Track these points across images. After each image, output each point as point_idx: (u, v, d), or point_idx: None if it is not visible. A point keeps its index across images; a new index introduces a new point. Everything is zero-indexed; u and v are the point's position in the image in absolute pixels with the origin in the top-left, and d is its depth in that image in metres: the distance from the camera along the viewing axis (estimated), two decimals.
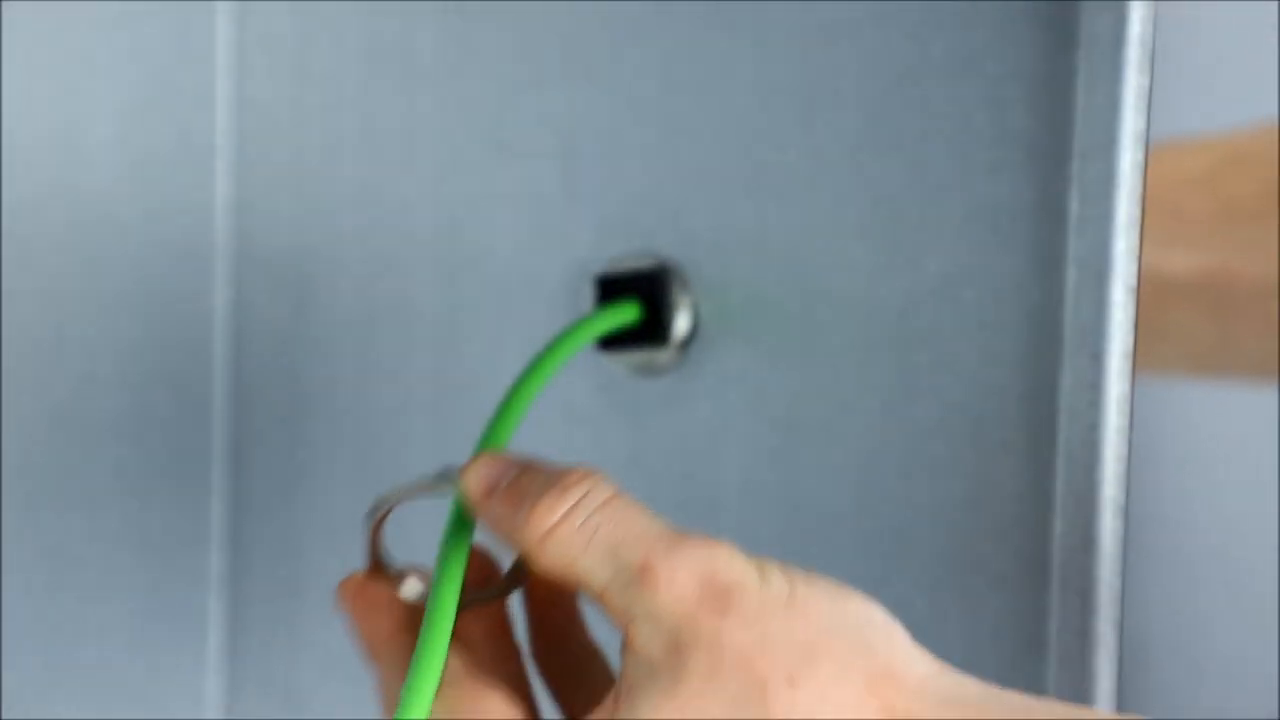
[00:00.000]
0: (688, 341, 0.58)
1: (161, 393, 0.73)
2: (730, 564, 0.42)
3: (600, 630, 0.52)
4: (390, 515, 0.50)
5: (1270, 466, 0.98)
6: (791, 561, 0.45)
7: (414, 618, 0.48)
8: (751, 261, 0.56)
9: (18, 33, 0.69)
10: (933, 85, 0.52)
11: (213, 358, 0.74)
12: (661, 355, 0.57)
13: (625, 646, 0.43)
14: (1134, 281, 0.48)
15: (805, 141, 0.55)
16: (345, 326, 0.69)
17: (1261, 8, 0.96)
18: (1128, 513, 0.50)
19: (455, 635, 0.45)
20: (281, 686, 0.74)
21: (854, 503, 0.54)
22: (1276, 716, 0.40)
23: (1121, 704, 0.50)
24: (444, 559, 0.46)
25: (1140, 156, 0.48)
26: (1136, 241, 0.48)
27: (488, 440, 0.48)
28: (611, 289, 0.58)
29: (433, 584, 0.45)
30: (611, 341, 0.58)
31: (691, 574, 0.42)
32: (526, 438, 0.55)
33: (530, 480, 0.45)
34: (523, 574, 0.48)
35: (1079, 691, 0.50)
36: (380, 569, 0.50)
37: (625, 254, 0.59)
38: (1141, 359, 0.49)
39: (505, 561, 0.50)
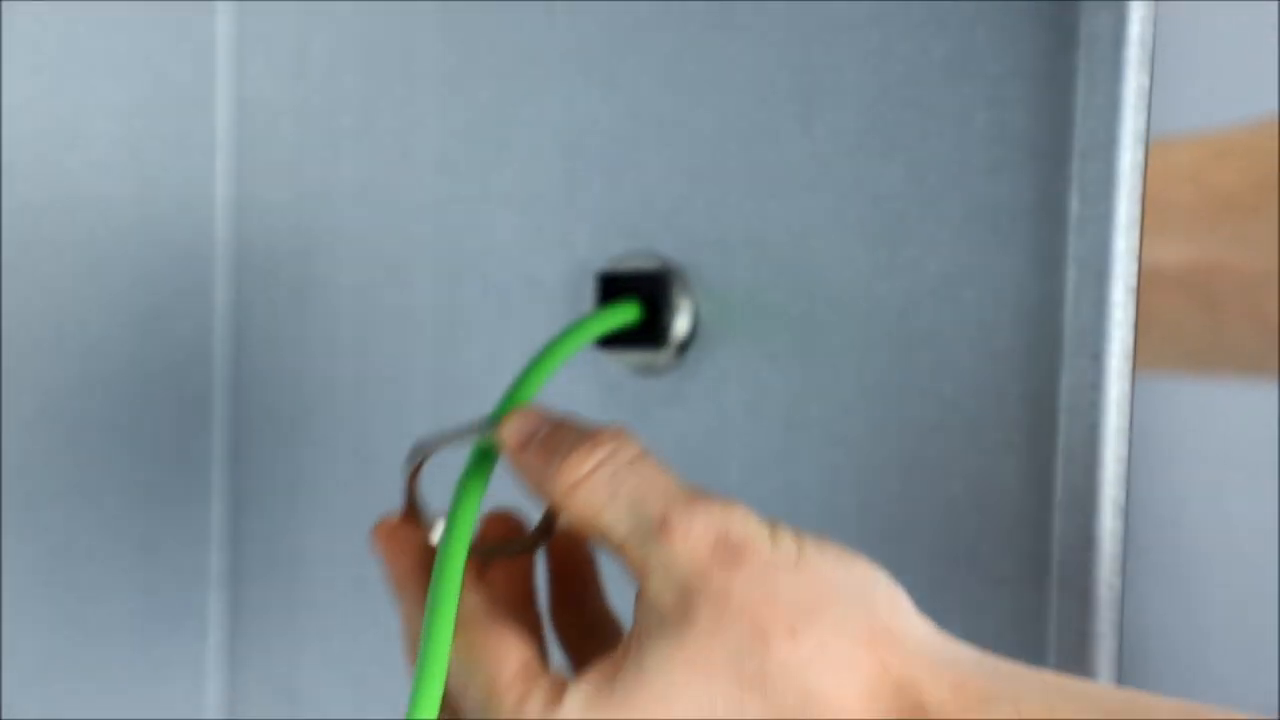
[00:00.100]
0: (687, 343, 0.58)
1: (162, 392, 0.73)
2: (744, 523, 0.44)
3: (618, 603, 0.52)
4: (427, 462, 0.52)
5: (1271, 467, 0.98)
6: None
7: None
8: (752, 261, 0.56)
9: (18, 33, 0.69)
10: (933, 85, 0.52)
11: (213, 357, 0.74)
12: (660, 356, 0.57)
13: (639, 596, 0.44)
14: (1134, 281, 0.48)
15: (805, 141, 0.55)
16: (345, 326, 0.69)
17: (1255, 7, 0.96)
18: (1128, 513, 0.50)
19: (480, 579, 0.48)
20: (282, 686, 0.74)
21: (854, 503, 0.54)
22: (1277, 717, 0.40)
23: None
24: (459, 500, 0.48)
25: (1140, 156, 0.48)
26: (1136, 241, 0.48)
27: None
28: (612, 286, 0.58)
29: (447, 522, 0.47)
30: (611, 341, 0.58)
31: (707, 529, 0.44)
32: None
33: (563, 435, 0.47)
34: (548, 531, 0.50)
35: None
36: (414, 513, 0.52)
37: (627, 253, 0.59)
38: None
39: (531, 522, 0.52)
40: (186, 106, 0.72)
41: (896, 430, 0.53)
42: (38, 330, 0.71)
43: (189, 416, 0.74)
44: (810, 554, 0.44)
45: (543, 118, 0.62)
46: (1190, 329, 0.77)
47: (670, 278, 0.57)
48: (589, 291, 0.59)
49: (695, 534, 0.44)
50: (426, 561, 0.50)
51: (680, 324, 0.57)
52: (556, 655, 0.52)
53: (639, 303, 0.57)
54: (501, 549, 0.51)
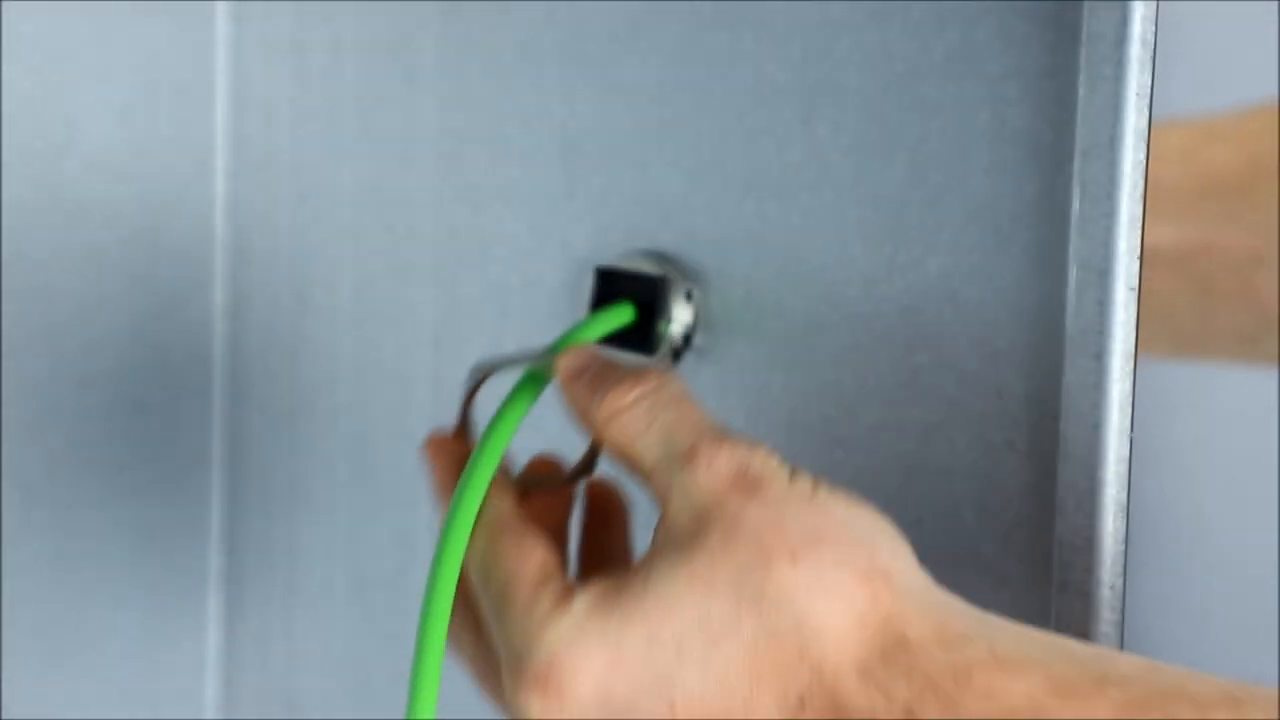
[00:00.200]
0: (681, 349, 0.57)
1: (161, 392, 0.73)
2: (766, 461, 0.47)
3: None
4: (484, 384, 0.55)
5: (1271, 467, 0.98)
6: None
7: None
8: (752, 261, 0.56)
9: (17, 32, 0.69)
10: (934, 84, 0.52)
11: (211, 357, 0.73)
12: (654, 361, 0.57)
13: (659, 520, 0.47)
14: (1136, 281, 0.48)
15: (805, 141, 0.55)
16: (344, 325, 0.69)
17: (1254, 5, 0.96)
18: (1129, 513, 0.50)
19: (518, 500, 0.51)
20: (280, 686, 0.74)
21: None
22: (1276, 717, 0.40)
23: None
24: (499, 415, 0.51)
25: (1142, 155, 0.48)
26: (1138, 241, 0.48)
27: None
28: (610, 282, 0.58)
29: (483, 432, 0.51)
30: (609, 341, 0.58)
31: (730, 460, 0.46)
32: (526, 437, 0.55)
33: (613, 371, 0.50)
34: (587, 469, 0.53)
35: None
36: (465, 431, 0.55)
37: (628, 254, 0.59)
38: None
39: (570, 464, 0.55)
40: (186, 106, 0.72)
41: (897, 430, 0.53)
42: (37, 330, 0.71)
43: (188, 416, 0.74)
44: (823, 494, 0.46)
45: (542, 117, 0.62)
46: (1181, 310, 0.77)
47: (666, 285, 0.57)
48: (588, 285, 0.59)
49: (719, 464, 0.46)
50: None
51: (674, 331, 0.57)
52: None
53: (633, 306, 0.57)
54: (541, 481, 0.54)
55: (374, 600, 0.70)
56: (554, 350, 0.53)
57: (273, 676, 0.74)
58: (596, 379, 0.50)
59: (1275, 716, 0.41)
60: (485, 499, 0.50)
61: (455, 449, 0.54)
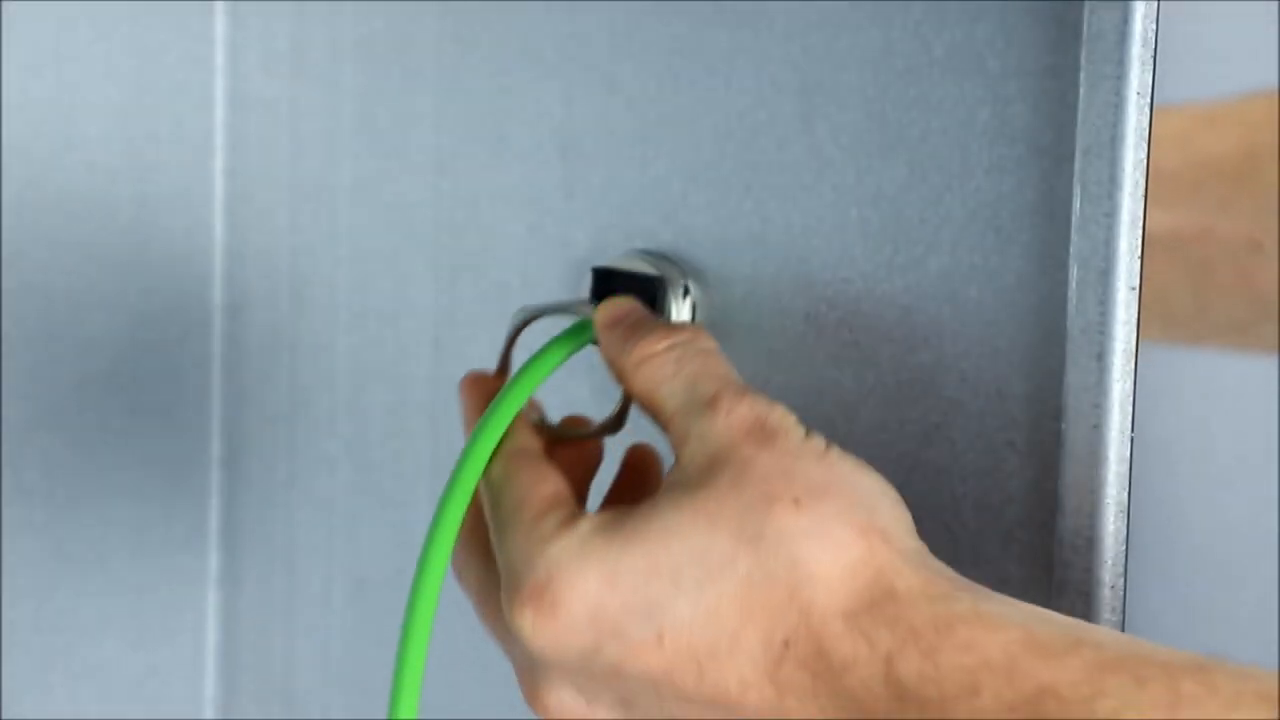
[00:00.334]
0: None
1: (159, 392, 0.73)
2: (784, 417, 0.48)
3: None
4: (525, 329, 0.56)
5: (1272, 465, 0.98)
6: None
7: None
8: (752, 261, 0.56)
9: (17, 32, 0.69)
10: (934, 82, 0.51)
11: (210, 356, 0.73)
12: (608, 425, 0.57)
13: (674, 464, 0.49)
14: (1137, 280, 0.48)
15: (805, 139, 0.55)
16: (342, 325, 0.69)
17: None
18: (1130, 514, 0.50)
19: (544, 446, 0.52)
20: (278, 686, 0.74)
21: None
22: (1242, 685, 0.40)
23: None
24: (534, 358, 0.53)
25: (1143, 154, 0.48)
26: (1139, 240, 0.48)
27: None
28: (607, 283, 0.58)
29: (515, 373, 0.53)
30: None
31: (749, 411, 0.48)
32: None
33: (648, 322, 0.52)
34: (617, 423, 0.55)
35: None
36: (504, 373, 0.56)
37: (628, 254, 0.59)
38: None
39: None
40: (184, 106, 0.72)
41: (898, 430, 0.53)
42: (35, 329, 0.71)
43: (186, 416, 0.74)
44: (835, 454, 0.47)
45: (541, 116, 0.61)
46: (1176, 296, 0.77)
47: (663, 285, 0.57)
48: (587, 290, 0.59)
49: (737, 413, 0.48)
50: None
51: None
52: None
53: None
54: (569, 431, 0.55)
55: (373, 600, 0.70)
56: (542, 354, 0.53)
57: (272, 676, 0.74)
58: (631, 329, 0.52)
59: (1241, 685, 0.41)
60: (509, 432, 0.51)
61: (489, 386, 0.55)
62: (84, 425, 0.72)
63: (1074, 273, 0.49)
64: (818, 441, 0.48)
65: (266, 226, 0.71)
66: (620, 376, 0.52)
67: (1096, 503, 0.49)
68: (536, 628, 0.46)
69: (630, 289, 0.57)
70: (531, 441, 0.52)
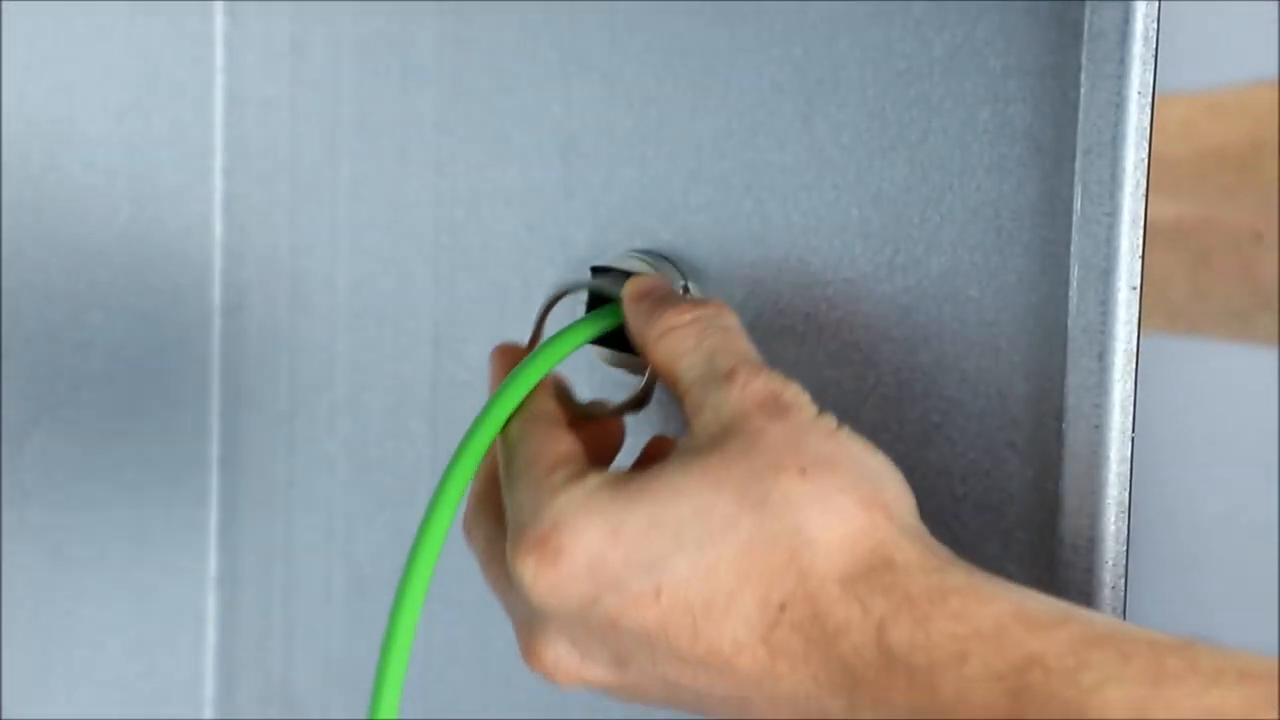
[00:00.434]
0: None
1: (157, 391, 0.73)
2: (798, 394, 0.49)
3: None
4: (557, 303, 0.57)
5: (1272, 465, 0.98)
6: None
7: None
8: (752, 261, 0.56)
9: (16, 31, 0.69)
10: (935, 82, 0.51)
11: (209, 356, 0.73)
12: (632, 401, 0.56)
13: (686, 432, 0.49)
14: (1138, 280, 0.48)
15: (806, 139, 0.54)
16: (342, 325, 0.69)
17: None
18: (1131, 514, 0.49)
19: (568, 420, 0.53)
20: (278, 687, 0.73)
21: None
22: (1276, 715, 0.40)
23: None
24: (561, 333, 0.54)
25: (1144, 154, 0.48)
26: (1140, 240, 0.48)
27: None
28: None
29: (540, 345, 0.54)
30: (604, 342, 0.57)
31: (764, 385, 0.48)
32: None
33: (673, 297, 0.53)
34: (642, 400, 0.55)
35: None
36: (535, 345, 0.57)
37: (628, 253, 0.59)
38: None
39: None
40: (183, 105, 0.72)
41: (898, 430, 0.53)
42: (34, 329, 0.71)
43: (185, 416, 0.74)
44: (845, 433, 0.48)
45: (541, 115, 0.61)
46: (1176, 286, 0.77)
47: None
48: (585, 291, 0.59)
49: (752, 387, 0.48)
50: None
51: None
52: None
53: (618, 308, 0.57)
54: (595, 407, 0.55)
55: (372, 601, 0.70)
56: (571, 328, 0.54)
57: (271, 676, 0.73)
58: (657, 302, 0.52)
59: (1223, 662, 0.42)
60: (531, 397, 0.52)
61: (519, 356, 0.55)
62: (83, 425, 0.72)
63: (1075, 272, 0.49)
64: (829, 420, 0.48)
65: (266, 226, 0.71)
66: (643, 348, 0.52)
67: (1097, 503, 0.49)
68: (538, 575, 0.47)
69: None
70: (552, 407, 0.52)
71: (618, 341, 0.57)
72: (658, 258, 0.58)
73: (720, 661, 0.46)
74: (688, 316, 0.51)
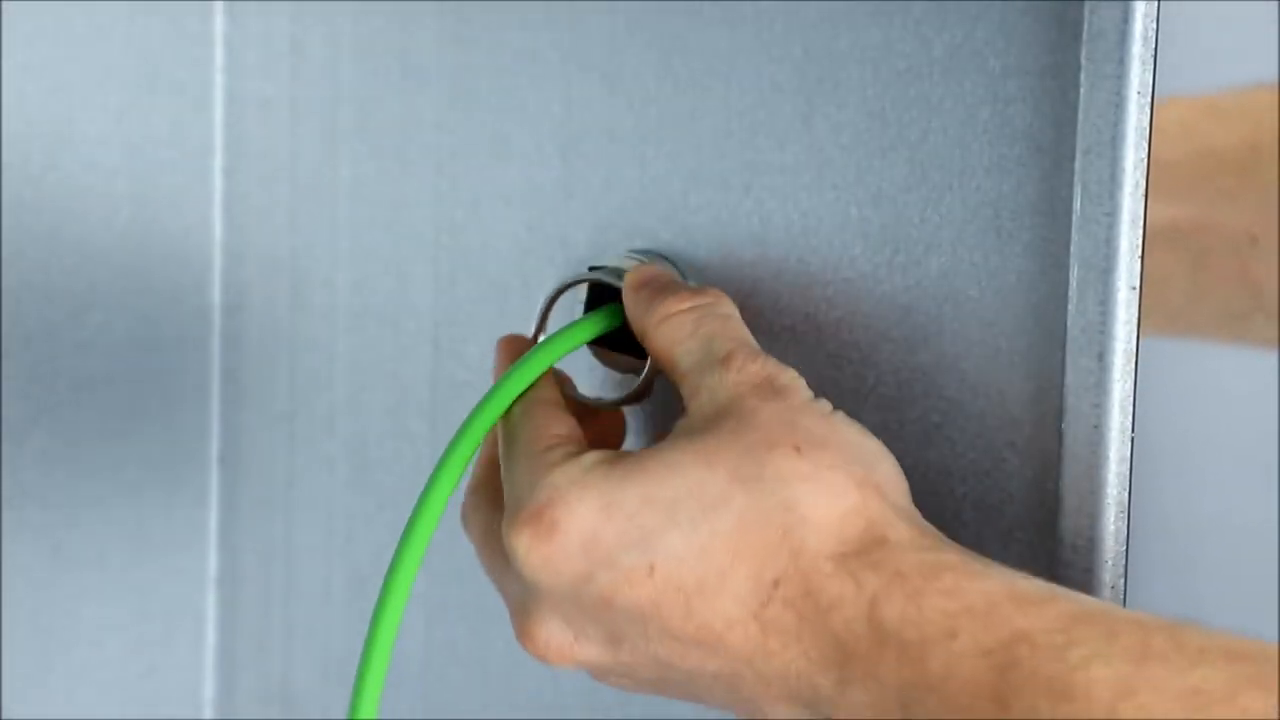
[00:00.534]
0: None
1: (157, 391, 0.73)
2: (794, 378, 0.49)
3: None
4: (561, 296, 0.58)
5: (1272, 465, 0.98)
6: None
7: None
8: (751, 261, 0.56)
9: (16, 31, 0.69)
10: (934, 82, 0.51)
11: (209, 356, 0.73)
12: (648, 364, 0.56)
13: (683, 416, 0.50)
14: (1137, 280, 0.48)
15: (806, 139, 0.54)
16: (342, 325, 0.69)
17: None
18: (1131, 514, 0.49)
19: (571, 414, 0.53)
20: (277, 687, 0.73)
21: None
22: (1276, 715, 0.40)
23: None
24: (565, 328, 0.55)
25: (1144, 154, 0.48)
26: (1140, 239, 0.48)
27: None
28: (602, 283, 0.57)
29: (551, 334, 0.55)
30: (603, 342, 0.57)
31: (760, 369, 0.49)
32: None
33: (673, 285, 0.53)
34: (643, 393, 0.55)
35: None
36: (541, 336, 0.58)
37: (626, 254, 0.59)
38: None
39: None
40: (183, 105, 0.72)
41: (898, 430, 0.53)
42: (33, 329, 0.71)
43: (185, 416, 0.74)
44: (840, 416, 0.49)
45: (541, 115, 0.61)
46: (1173, 287, 0.78)
47: None
48: (584, 291, 0.59)
49: (749, 370, 0.49)
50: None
51: None
52: None
53: (619, 308, 0.57)
54: (597, 400, 0.56)
55: (372, 600, 0.70)
56: (578, 322, 0.55)
57: (270, 676, 0.73)
58: (657, 290, 0.53)
59: (1207, 642, 0.42)
60: (534, 385, 0.52)
61: (524, 346, 0.56)
62: (83, 425, 0.72)
63: (1074, 272, 0.49)
64: (824, 403, 0.49)
65: (266, 226, 0.71)
66: (642, 336, 0.53)
67: (1096, 503, 0.49)
68: (532, 551, 0.47)
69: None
70: (554, 394, 0.53)
71: (618, 344, 0.57)
72: (656, 257, 0.58)
73: (712, 639, 0.46)
74: (686, 304, 0.52)
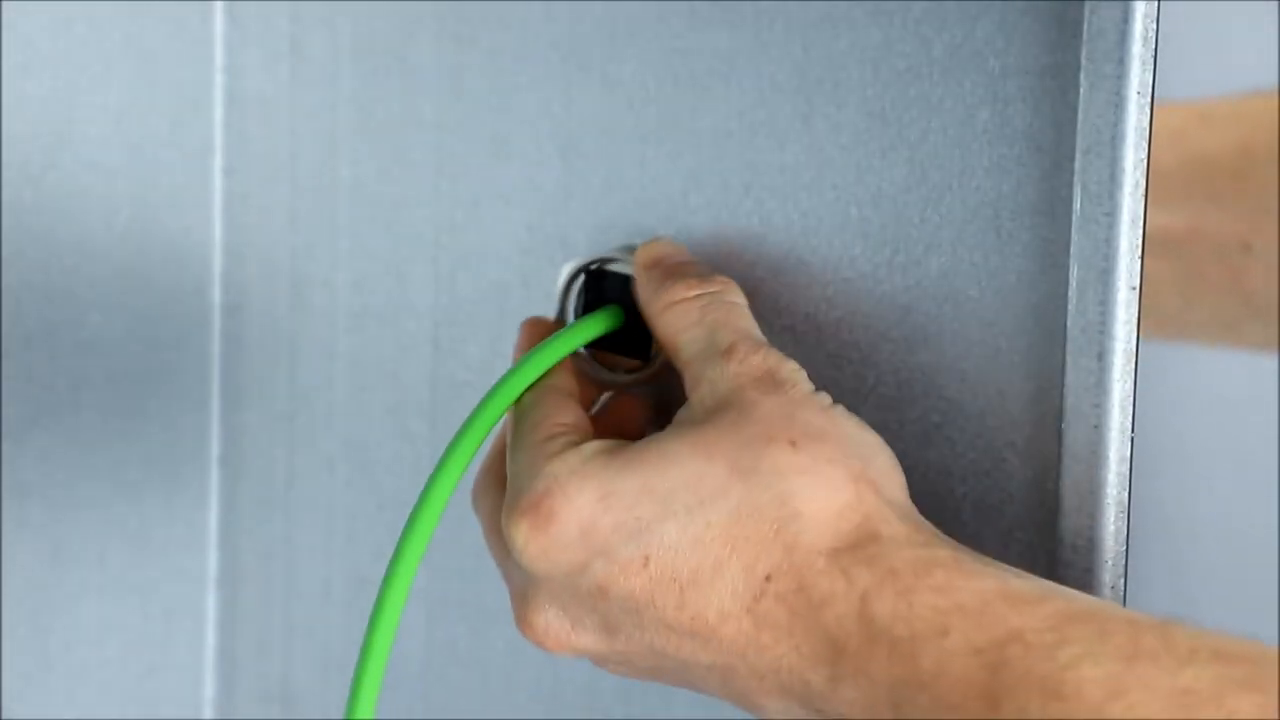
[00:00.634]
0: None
1: (157, 392, 0.73)
2: (795, 371, 0.50)
3: None
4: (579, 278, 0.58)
5: (1272, 464, 0.98)
6: None
7: None
8: (751, 260, 0.56)
9: (16, 30, 0.69)
10: (934, 82, 0.51)
11: (209, 356, 0.73)
12: (649, 367, 0.56)
13: (685, 406, 0.50)
14: (1137, 280, 0.48)
15: (806, 139, 0.54)
16: (342, 325, 0.69)
17: None
18: (1131, 513, 0.49)
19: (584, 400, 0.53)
20: (277, 687, 0.73)
21: None
22: (1275, 715, 0.40)
23: None
24: (583, 318, 0.55)
25: (1144, 154, 0.48)
26: (1140, 239, 0.48)
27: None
28: (598, 281, 0.57)
29: (571, 323, 0.55)
30: (602, 343, 0.57)
31: (761, 361, 0.49)
32: None
33: (683, 268, 0.53)
34: (653, 374, 0.55)
35: None
36: (560, 322, 0.58)
37: (621, 249, 0.59)
38: None
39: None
40: (183, 105, 0.72)
41: (898, 430, 0.53)
42: (33, 329, 0.71)
43: (185, 416, 0.74)
44: (839, 410, 0.49)
45: (541, 115, 0.61)
46: (1165, 293, 0.78)
47: None
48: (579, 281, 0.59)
49: (751, 362, 0.49)
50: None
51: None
52: None
53: (621, 309, 0.57)
54: (609, 380, 0.56)
55: (372, 601, 0.70)
56: (600, 311, 0.55)
57: (270, 677, 0.73)
58: (667, 272, 0.53)
59: (1197, 642, 0.42)
60: (551, 371, 0.53)
61: (544, 330, 0.56)
62: (82, 425, 0.72)
63: (1074, 272, 0.49)
64: (823, 397, 0.49)
65: (266, 226, 0.71)
66: (649, 318, 0.53)
67: (1096, 503, 0.49)
68: (529, 539, 0.47)
69: (624, 289, 0.57)
70: (567, 382, 0.53)
71: (613, 343, 0.57)
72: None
73: (705, 630, 0.46)
74: (694, 291, 0.52)
